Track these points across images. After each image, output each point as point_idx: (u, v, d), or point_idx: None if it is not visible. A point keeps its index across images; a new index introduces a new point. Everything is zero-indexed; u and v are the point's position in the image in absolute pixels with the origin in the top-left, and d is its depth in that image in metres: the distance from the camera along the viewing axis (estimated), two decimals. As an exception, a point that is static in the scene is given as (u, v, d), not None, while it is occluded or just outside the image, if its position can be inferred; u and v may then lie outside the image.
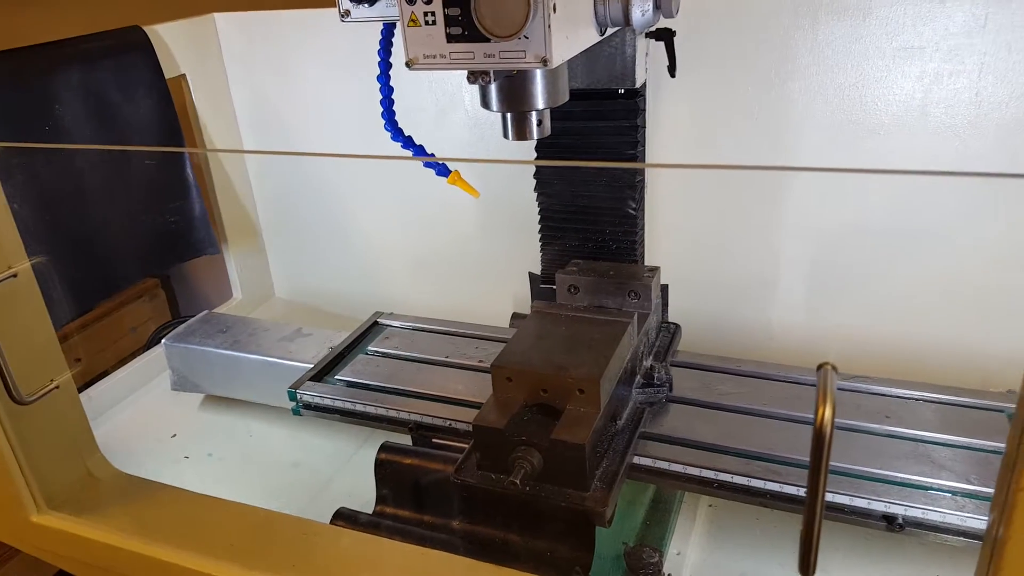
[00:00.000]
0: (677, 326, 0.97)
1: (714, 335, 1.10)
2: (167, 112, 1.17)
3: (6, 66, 0.98)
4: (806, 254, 1.04)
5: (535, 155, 0.89)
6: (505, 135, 0.69)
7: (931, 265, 0.98)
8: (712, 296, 1.10)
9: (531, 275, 0.96)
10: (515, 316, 1.07)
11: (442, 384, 0.93)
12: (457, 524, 0.75)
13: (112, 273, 1.14)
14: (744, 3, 0.94)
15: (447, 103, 1.15)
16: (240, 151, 1.36)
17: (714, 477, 0.75)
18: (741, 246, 1.07)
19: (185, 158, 1.21)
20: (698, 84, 0.98)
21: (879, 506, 0.70)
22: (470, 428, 0.73)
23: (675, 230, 1.08)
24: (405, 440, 0.87)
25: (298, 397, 0.94)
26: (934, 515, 0.68)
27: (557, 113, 0.69)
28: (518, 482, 0.66)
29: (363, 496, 0.82)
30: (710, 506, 0.88)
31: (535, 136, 0.69)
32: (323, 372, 0.97)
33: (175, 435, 1.09)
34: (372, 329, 1.08)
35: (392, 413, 0.89)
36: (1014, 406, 0.46)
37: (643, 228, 0.91)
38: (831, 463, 0.71)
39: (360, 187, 1.29)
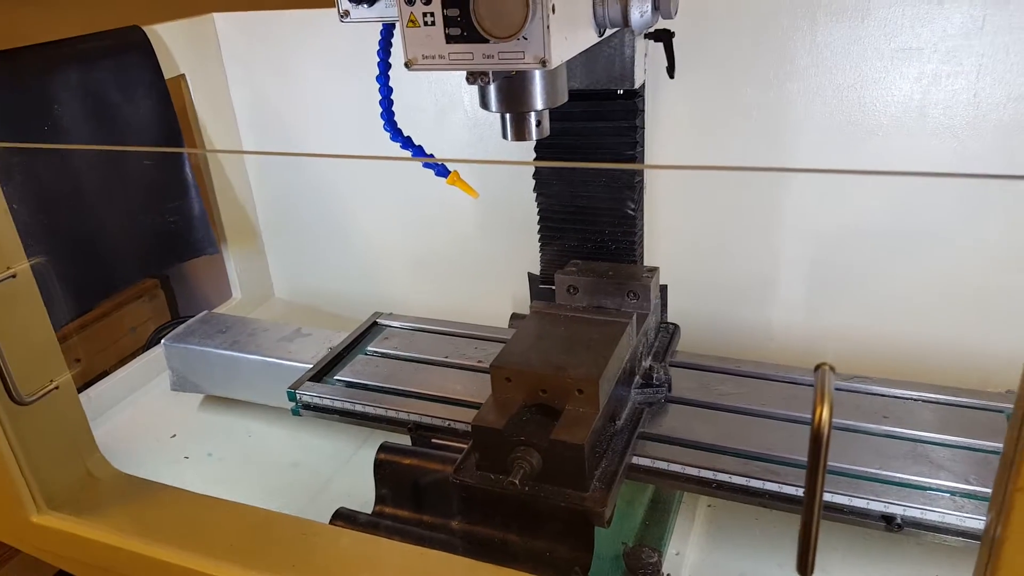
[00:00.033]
0: (676, 326, 0.97)
1: (713, 335, 1.10)
2: (166, 112, 1.17)
3: (5, 66, 0.98)
4: (805, 254, 1.04)
5: (534, 156, 0.89)
6: (504, 136, 0.69)
7: (930, 265, 0.98)
8: (711, 296, 1.10)
9: (530, 275, 0.96)
10: (514, 316, 1.07)
11: (441, 384, 0.93)
12: (456, 524, 0.75)
13: (111, 273, 1.14)
14: (743, 4, 0.94)
15: (446, 103, 1.15)
16: (239, 151, 1.36)
17: (713, 477, 0.75)
18: (740, 246, 1.07)
19: (184, 158, 1.21)
20: (697, 85, 0.98)
21: (878, 506, 0.70)
22: (469, 428, 0.73)
23: (674, 230, 1.08)
24: (404, 440, 0.87)
25: (297, 397, 0.94)
26: (932, 515, 0.69)
27: (556, 114, 0.69)
28: (517, 482, 0.66)
29: (362, 496, 0.82)
30: (709, 506, 0.88)
31: (534, 137, 0.69)
32: (322, 372, 0.97)
33: (175, 435, 1.09)
34: (371, 329, 1.08)
35: (391, 413, 0.89)
36: (1013, 406, 0.46)
37: (642, 228, 0.91)
38: (830, 463, 0.72)
39: (359, 187, 1.29)
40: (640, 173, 0.86)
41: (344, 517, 0.78)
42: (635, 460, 0.77)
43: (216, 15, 1.25)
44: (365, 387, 0.94)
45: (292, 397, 0.94)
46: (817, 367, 0.42)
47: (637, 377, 0.85)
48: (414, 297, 1.32)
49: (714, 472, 0.75)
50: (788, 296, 1.07)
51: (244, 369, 1.05)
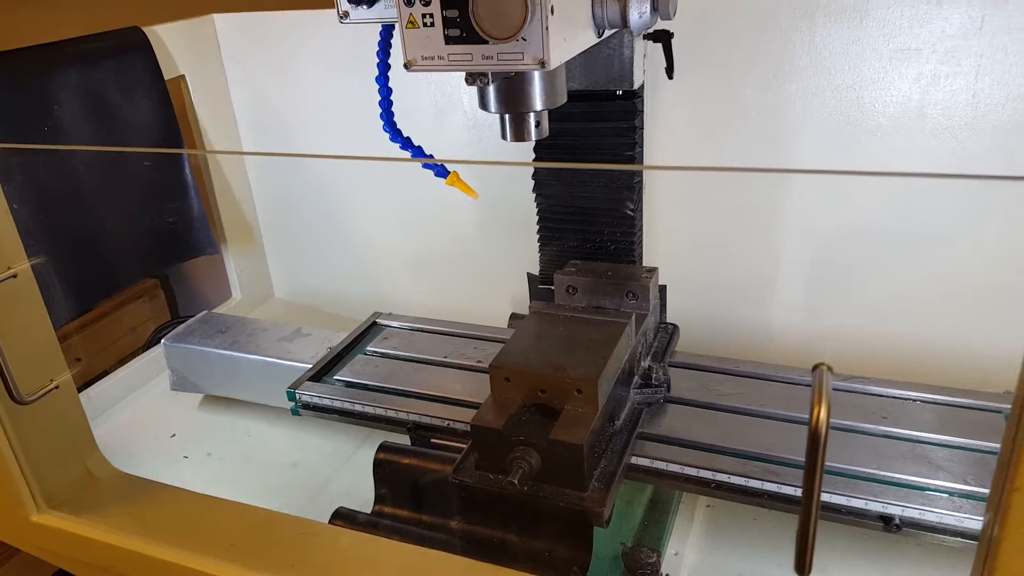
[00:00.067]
0: (675, 327, 0.97)
1: (713, 336, 1.10)
2: (166, 113, 1.17)
3: (6, 67, 0.98)
4: (804, 255, 1.04)
5: (533, 156, 0.89)
6: (503, 136, 0.69)
7: (929, 266, 0.98)
8: (711, 297, 1.10)
9: (529, 276, 0.97)
10: (513, 316, 1.07)
11: (440, 384, 0.93)
12: (455, 524, 0.75)
13: (111, 273, 1.14)
14: (741, 5, 0.94)
15: (446, 104, 1.15)
16: (239, 152, 1.36)
17: (712, 477, 0.75)
18: (740, 247, 1.07)
19: (184, 159, 1.21)
20: (696, 86, 0.98)
21: (876, 506, 0.70)
22: (468, 428, 0.73)
23: (673, 231, 1.08)
24: (404, 440, 0.87)
25: (297, 397, 0.94)
26: (931, 515, 0.69)
27: (555, 114, 0.70)
28: (516, 482, 0.67)
29: (362, 496, 0.82)
30: (708, 506, 0.88)
31: (533, 137, 0.69)
32: (322, 372, 0.97)
33: (174, 435, 1.09)
34: (371, 329, 1.08)
35: (391, 413, 0.89)
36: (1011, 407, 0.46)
37: (641, 229, 0.91)
38: (829, 463, 0.72)
39: (359, 188, 1.29)
40: (639, 173, 0.87)
41: (343, 517, 0.78)
42: (634, 460, 0.77)
43: (216, 16, 1.25)
44: (364, 387, 0.95)
45: (292, 397, 0.94)
46: (815, 367, 0.42)
47: (636, 377, 0.85)
48: (414, 297, 1.32)
49: (713, 472, 0.75)
50: (787, 296, 1.07)
51: (244, 369, 1.06)
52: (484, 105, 0.67)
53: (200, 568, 0.70)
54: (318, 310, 1.42)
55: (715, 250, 1.08)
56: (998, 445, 0.74)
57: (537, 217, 0.92)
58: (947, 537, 0.69)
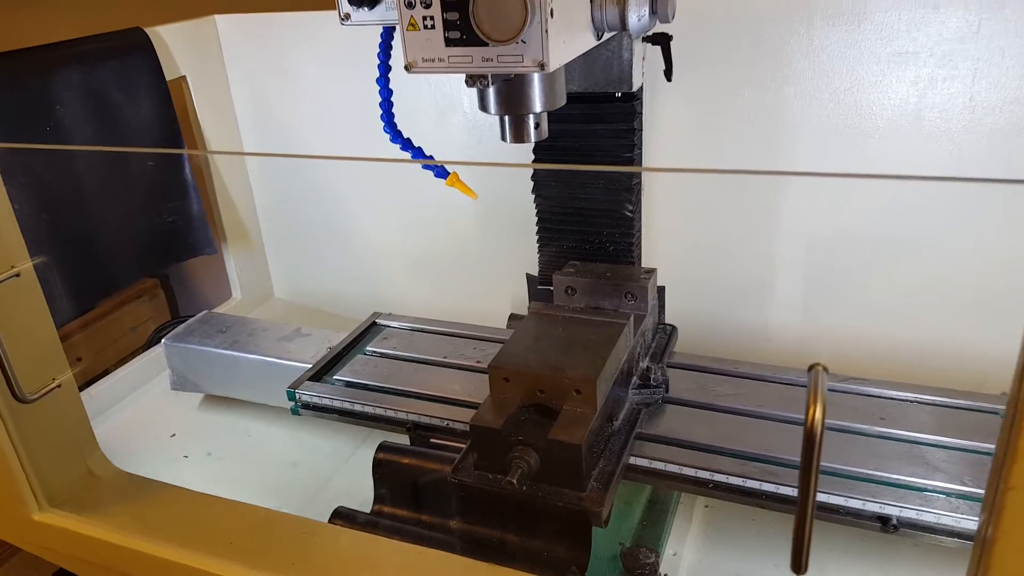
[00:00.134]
0: (673, 327, 0.97)
1: (711, 337, 1.11)
2: (167, 113, 1.18)
3: (8, 67, 0.99)
4: (802, 256, 1.04)
5: (532, 158, 0.90)
6: (503, 138, 0.70)
7: (927, 268, 0.98)
8: (709, 298, 1.10)
9: (528, 276, 0.97)
10: (512, 317, 1.08)
11: (440, 384, 0.93)
12: (454, 524, 0.76)
13: (112, 272, 1.15)
14: (740, 8, 0.94)
15: (446, 106, 1.15)
16: (240, 153, 1.36)
17: (710, 478, 0.75)
18: (738, 248, 1.07)
19: (184, 159, 1.21)
20: (694, 88, 0.99)
21: (873, 507, 0.70)
22: (467, 428, 0.74)
23: (672, 232, 1.08)
24: (403, 440, 0.88)
25: (297, 397, 0.94)
26: (928, 516, 0.69)
27: (554, 116, 0.70)
28: (515, 482, 0.67)
29: (361, 495, 0.83)
30: (706, 507, 0.88)
31: (532, 139, 0.69)
32: (322, 372, 0.98)
33: (174, 434, 1.09)
34: (370, 329, 1.08)
35: (390, 413, 0.89)
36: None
37: (640, 230, 0.91)
38: (827, 464, 0.73)
39: (359, 188, 1.30)
40: (638, 175, 0.87)
41: (343, 516, 0.79)
42: (632, 460, 0.77)
43: (217, 17, 1.26)
44: (364, 387, 0.95)
45: (291, 397, 0.94)
46: (810, 367, 0.42)
47: (635, 378, 0.85)
48: (413, 297, 1.32)
49: (711, 473, 0.75)
50: (785, 297, 1.07)
51: (244, 369, 1.06)
52: (484, 107, 0.68)
53: (200, 567, 0.70)
54: (318, 310, 1.43)
55: (713, 251, 1.09)
56: (995, 446, 0.74)
57: (536, 218, 0.93)
58: (944, 538, 0.69)
